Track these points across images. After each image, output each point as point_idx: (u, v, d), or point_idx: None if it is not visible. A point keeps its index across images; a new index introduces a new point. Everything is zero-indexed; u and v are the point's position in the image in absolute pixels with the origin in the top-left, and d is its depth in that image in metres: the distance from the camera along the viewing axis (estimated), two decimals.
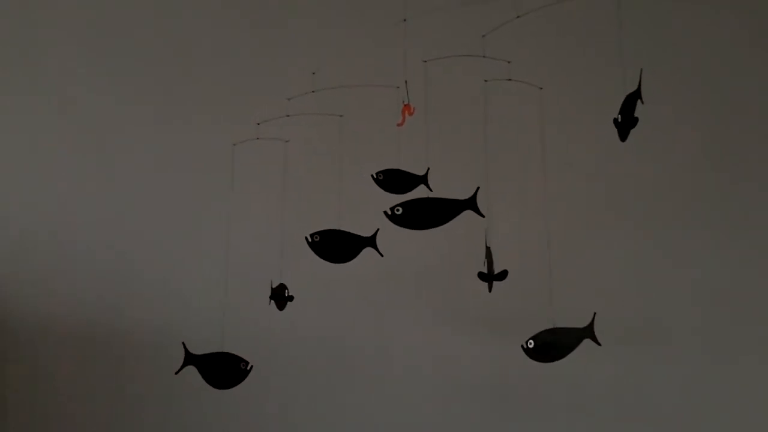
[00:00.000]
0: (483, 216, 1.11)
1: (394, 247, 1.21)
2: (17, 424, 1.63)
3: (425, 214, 1.12)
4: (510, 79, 1.06)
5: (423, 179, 1.21)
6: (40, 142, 1.71)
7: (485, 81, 1.09)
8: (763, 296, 1.55)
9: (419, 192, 1.18)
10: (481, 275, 1.12)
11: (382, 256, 1.19)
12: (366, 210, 1.16)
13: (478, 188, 1.11)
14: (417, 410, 1.60)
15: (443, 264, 1.57)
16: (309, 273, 1.40)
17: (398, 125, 1.20)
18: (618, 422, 1.56)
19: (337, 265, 1.21)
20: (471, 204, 1.11)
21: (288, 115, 1.28)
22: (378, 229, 1.18)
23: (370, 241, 1.20)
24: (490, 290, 1.13)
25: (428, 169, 1.20)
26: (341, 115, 1.33)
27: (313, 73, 1.27)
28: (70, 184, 1.69)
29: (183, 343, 1.21)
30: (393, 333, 1.62)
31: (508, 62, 1.05)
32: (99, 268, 1.67)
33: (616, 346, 1.52)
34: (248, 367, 1.21)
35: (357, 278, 1.57)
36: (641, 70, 1.01)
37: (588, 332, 1.04)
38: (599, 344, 1.04)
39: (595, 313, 1.03)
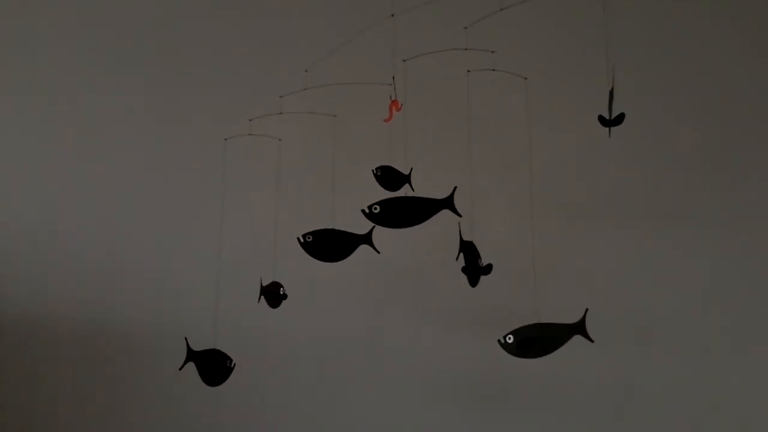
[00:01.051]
0: (460, 216, 1.11)
1: (385, 246, 1.20)
2: (15, 424, 1.63)
3: (403, 212, 1.12)
4: (494, 69, 1.05)
5: (406, 178, 1.20)
6: (35, 142, 1.72)
7: (468, 71, 1.08)
8: (762, 296, 1.54)
9: (405, 191, 1.18)
10: (465, 269, 1.11)
11: (378, 252, 1.18)
12: (359, 207, 1.15)
13: (455, 188, 1.11)
14: (409, 409, 1.59)
15: (435, 261, 1.55)
16: (300, 271, 1.40)
17: (385, 121, 1.20)
18: (612, 422, 1.54)
19: (328, 263, 1.20)
20: (448, 203, 1.11)
21: (281, 113, 1.28)
22: (374, 226, 1.17)
23: (366, 239, 1.19)
24: (472, 285, 1.11)
25: (411, 169, 1.20)
26: (335, 115, 1.33)
27: (306, 71, 1.27)
28: (65, 184, 1.70)
29: (185, 339, 1.20)
30: (384, 331, 1.61)
31: (493, 52, 1.04)
32: (93, 268, 1.67)
33: (610, 345, 1.51)
34: (232, 365, 1.22)
35: (350, 277, 1.55)
36: (613, 67, 1.00)
37: (579, 328, 1.01)
38: (591, 341, 1.01)
39: (586, 309, 1.01)
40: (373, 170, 1.20)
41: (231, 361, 1.22)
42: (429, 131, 1.56)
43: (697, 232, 1.57)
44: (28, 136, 1.73)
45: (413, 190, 1.18)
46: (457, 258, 1.11)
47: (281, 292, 1.27)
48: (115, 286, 1.66)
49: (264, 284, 1.27)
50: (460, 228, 1.12)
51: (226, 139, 1.32)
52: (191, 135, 1.70)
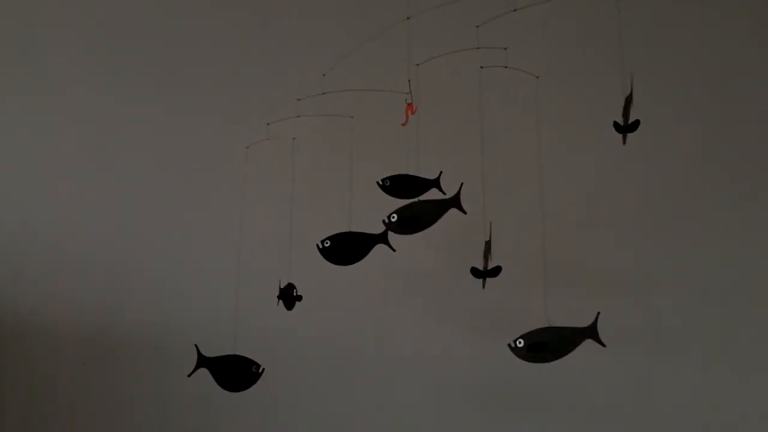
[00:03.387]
0: (465, 213, 1.12)
1: (397, 248, 1.20)
2: (15, 424, 1.63)
3: (417, 217, 1.13)
4: (506, 66, 1.05)
5: (435, 183, 1.19)
6: (43, 142, 1.72)
7: (481, 67, 1.08)
8: (765, 296, 1.51)
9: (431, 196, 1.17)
10: (474, 271, 1.10)
11: (394, 250, 1.19)
12: (376, 210, 1.15)
13: (462, 185, 1.11)
14: (420, 410, 1.57)
15: (446, 263, 1.54)
16: (315, 273, 1.39)
17: (402, 125, 1.20)
18: (623, 427, 1.51)
19: (344, 266, 1.21)
20: (455, 202, 1.12)
21: (298, 116, 1.30)
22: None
23: (382, 238, 1.19)
24: (483, 286, 1.10)
25: (441, 172, 1.18)
26: (352, 117, 1.33)
27: (324, 75, 1.28)
28: (74, 185, 1.70)
29: (196, 346, 1.20)
30: (395, 333, 1.59)
31: (505, 49, 1.03)
32: (99, 269, 1.66)
33: (622, 349, 1.48)
34: (260, 370, 1.22)
35: (362, 278, 1.52)
36: (632, 75, 0.99)
37: (590, 332, 1.00)
38: (603, 345, 1.00)
39: (598, 313, 1.00)
40: (378, 182, 1.18)
41: (258, 366, 1.21)
42: (442, 132, 1.55)
43: (711, 235, 1.55)
44: (35, 136, 1.73)
45: (444, 194, 1.16)
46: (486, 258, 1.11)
47: (295, 294, 1.28)
48: (120, 287, 1.65)
49: (288, 287, 1.28)
50: (491, 227, 1.11)
51: (247, 147, 1.33)
52: (207, 136, 1.70)
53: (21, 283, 1.66)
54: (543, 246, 1.10)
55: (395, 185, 1.18)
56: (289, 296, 1.28)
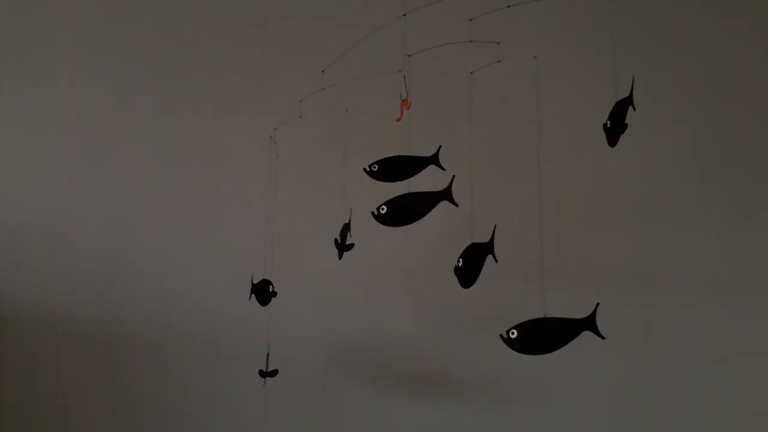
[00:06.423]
0: (457, 205, 1.10)
1: (391, 242, 1.20)
2: (15, 423, 1.63)
3: (407, 208, 1.10)
4: (499, 61, 1.04)
5: (433, 159, 1.13)
6: (43, 140, 1.72)
7: (471, 73, 1.08)
8: (763, 294, 1.48)
9: (429, 174, 1.14)
10: (456, 269, 1.07)
11: (350, 234, 1.21)
12: (374, 202, 1.14)
13: (453, 177, 1.10)
14: (415, 408, 1.56)
15: (441, 258, 1.53)
16: (303, 270, 1.45)
17: (397, 121, 1.20)
18: (621, 423, 1.50)
19: (335, 260, 1.24)
20: (446, 194, 1.10)
21: (300, 117, 1.31)
22: (351, 208, 1.19)
23: (347, 227, 1.22)
24: (465, 286, 1.07)
25: (440, 146, 1.14)
26: (347, 109, 1.35)
27: (323, 71, 1.29)
28: (73, 184, 1.70)
29: (268, 343, 1.25)
30: (390, 330, 1.57)
31: (498, 43, 1.03)
32: (99, 267, 1.66)
33: (619, 345, 1.44)
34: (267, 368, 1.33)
35: (357, 274, 1.54)
36: (633, 77, 0.98)
37: (589, 323, 0.96)
38: (602, 337, 0.96)
39: (597, 303, 0.97)
40: (365, 168, 1.13)
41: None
42: (437, 126, 1.54)
43: (710, 233, 1.53)
44: (35, 133, 1.73)
45: (444, 170, 1.12)
46: (496, 261, 1.08)
47: (271, 290, 1.28)
48: (120, 286, 1.65)
49: (263, 283, 1.29)
50: (494, 229, 1.08)
51: (277, 156, 1.36)
52: (207, 136, 1.70)
53: (21, 280, 1.67)
54: (540, 241, 1.08)
55: (384, 169, 1.13)
56: (264, 292, 1.29)
